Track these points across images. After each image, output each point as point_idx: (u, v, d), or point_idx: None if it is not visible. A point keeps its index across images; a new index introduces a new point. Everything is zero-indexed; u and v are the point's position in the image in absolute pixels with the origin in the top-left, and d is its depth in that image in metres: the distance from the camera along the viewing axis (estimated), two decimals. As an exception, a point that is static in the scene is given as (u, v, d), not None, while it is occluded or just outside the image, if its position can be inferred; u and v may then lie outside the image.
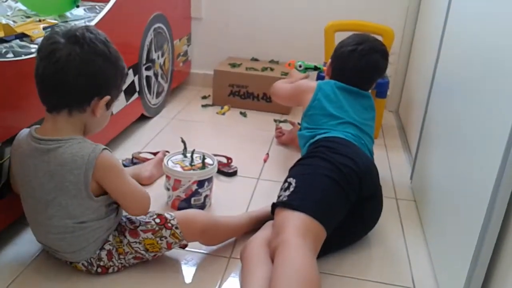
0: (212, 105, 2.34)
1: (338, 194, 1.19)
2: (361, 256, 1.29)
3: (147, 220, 1.16)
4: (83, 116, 1.09)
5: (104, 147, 1.07)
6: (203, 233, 1.19)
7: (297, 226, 1.09)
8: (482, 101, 1.07)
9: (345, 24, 2.19)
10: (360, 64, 1.54)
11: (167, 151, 1.68)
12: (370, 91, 1.62)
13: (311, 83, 1.63)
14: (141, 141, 1.89)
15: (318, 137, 1.38)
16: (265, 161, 1.79)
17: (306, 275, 0.98)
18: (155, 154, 1.70)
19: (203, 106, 2.33)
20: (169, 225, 1.14)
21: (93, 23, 1.55)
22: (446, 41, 1.51)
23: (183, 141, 1.48)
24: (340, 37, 2.13)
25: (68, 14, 1.85)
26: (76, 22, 1.74)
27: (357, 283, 1.20)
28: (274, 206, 1.20)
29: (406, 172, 1.77)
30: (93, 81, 1.06)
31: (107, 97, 1.10)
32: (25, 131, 1.13)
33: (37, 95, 1.08)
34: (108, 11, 1.63)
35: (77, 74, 1.03)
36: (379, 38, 2.14)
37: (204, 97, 2.44)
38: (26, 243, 1.25)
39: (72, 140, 1.05)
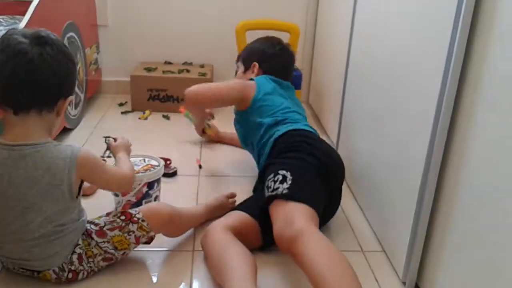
0: (132, 111, 2.34)
1: (322, 186, 1.29)
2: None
3: (111, 219, 1.18)
4: (51, 117, 1.09)
5: (80, 146, 1.09)
6: (169, 223, 1.24)
7: (307, 216, 1.14)
8: (398, 82, 1.24)
9: (255, 23, 2.32)
10: (288, 60, 1.80)
11: (104, 159, 1.67)
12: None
13: (249, 81, 1.65)
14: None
15: (285, 129, 1.44)
16: (200, 166, 1.83)
17: (344, 259, 1.03)
18: (90, 164, 1.68)
19: (122, 113, 2.32)
20: (135, 219, 1.18)
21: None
22: (356, 34, 1.69)
23: (106, 142, 1.44)
24: (250, 35, 2.27)
25: (-26, 28, 1.75)
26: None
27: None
28: (273, 197, 1.22)
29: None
30: (63, 81, 1.08)
31: (71, 97, 1.12)
32: None
33: None
34: (27, 23, 1.58)
35: (50, 74, 1.04)
36: (286, 34, 2.32)
37: (121, 104, 2.42)
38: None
39: (48, 143, 1.06)
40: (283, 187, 1.22)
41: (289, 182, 1.22)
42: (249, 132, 1.61)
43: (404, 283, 1.21)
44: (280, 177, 1.25)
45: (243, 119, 1.63)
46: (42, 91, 1.05)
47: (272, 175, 1.27)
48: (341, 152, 1.81)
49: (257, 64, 1.77)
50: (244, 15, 2.36)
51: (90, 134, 2.05)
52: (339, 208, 1.55)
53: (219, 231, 1.21)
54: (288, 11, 2.48)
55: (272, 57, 1.76)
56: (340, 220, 1.49)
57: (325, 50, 2.29)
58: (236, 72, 1.87)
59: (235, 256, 1.11)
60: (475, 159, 0.96)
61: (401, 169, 1.23)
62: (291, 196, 1.19)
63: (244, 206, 1.35)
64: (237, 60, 1.89)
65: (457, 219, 1.01)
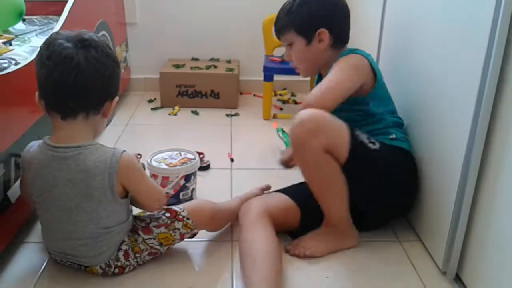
0: (161, 107, 2.37)
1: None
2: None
3: (157, 216, 1.20)
4: (97, 119, 1.11)
5: (123, 149, 1.10)
6: (212, 220, 1.27)
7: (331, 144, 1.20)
8: (434, 79, 1.24)
9: (282, 18, 2.33)
10: (348, 14, 1.43)
11: (139, 154, 1.71)
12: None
13: (362, 59, 1.35)
14: (104, 149, 1.89)
15: (405, 146, 1.35)
16: (231, 159, 1.84)
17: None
18: (126, 159, 1.72)
19: (152, 109, 2.35)
20: (180, 217, 1.20)
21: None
22: (386, 26, 1.69)
23: None
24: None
25: (11, 29, 1.80)
26: (27, 36, 1.71)
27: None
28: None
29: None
30: (109, 83, 1.09)
31: (117, 98, 1.14)
32: (35, 143, 1.13)
33: (47, 104, 1.07)
34: (64, 23, 1.61)
35: (96, 78, 1.05)
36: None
37: (150, 101, 2.46)
38: (28, 259, 1.24)
39: (91, 146, 1.07)
40: (367, 142, 1.25)
41: (374, 147, 1.25)
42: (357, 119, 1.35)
43: (444, 273, 1.21)
44: (373, 140, 1.27)
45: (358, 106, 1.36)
46: (89, 95, 1.06)
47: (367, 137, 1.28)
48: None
49: (326, 31, 1.37)
50: (270, 9, 2.36)
51: (123, 131, 2.09)
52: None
53: (256, 213, 1.24)
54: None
55: (340, 15, 1.40)
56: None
57: (353, 42, 2.28)
58: (290, 49, 1.44)
59: (261, 253, 1.13)
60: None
61: (440, 155, 1.23)
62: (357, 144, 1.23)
63: (287, 190, 1.37)
64: (281, 32, 1.44)
65: (501, 206, 1.01)
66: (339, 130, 1.22)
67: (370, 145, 1.26)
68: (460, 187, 1.11)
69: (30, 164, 1.10)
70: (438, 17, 1.25)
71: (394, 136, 1.34)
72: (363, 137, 1.26)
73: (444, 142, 1.20)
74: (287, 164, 1.43)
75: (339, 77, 1.28)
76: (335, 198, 1.27)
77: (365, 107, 1.35)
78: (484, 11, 1.01)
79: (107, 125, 2.10)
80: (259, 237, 1.19)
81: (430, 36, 1.31)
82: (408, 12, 1.49)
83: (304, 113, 1.19)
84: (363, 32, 1.98)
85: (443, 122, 1.21)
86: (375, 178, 1.27)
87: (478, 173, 1.08)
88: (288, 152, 1.41)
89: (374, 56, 1.75)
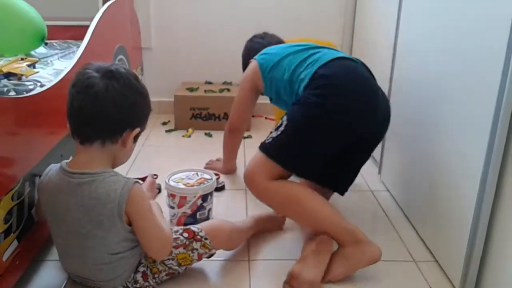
0: (175, 129, 2.42)
1: (325, 147, 1.33)
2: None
3: (175, 236, 1.21)
4: (114, 148, 1.12)
5: (136, 180, 1.11)
6: (229, 239, 1.28)
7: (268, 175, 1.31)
8: (446, 106, 1.27)
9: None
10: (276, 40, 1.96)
11: (155, 175, 1.74)
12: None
13: (250, 69, 1.68)
14: (120, 170, 1.91)
15: (308, 75, 1.38)
16: None
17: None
18: (143, 179, 1.74)
19: (167, 131, 2.40)
20: (198, 237, 1.21)
21: (74, 59, 1.57)
22: (399, 54, 1.72)
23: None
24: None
25: (32, 52, 1.86)
26: (50, 59, 1.76)
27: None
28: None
29: (371, 169, 1.96)
30: (128, 114, 1.10)
31: (138, 129, 1.14)
32: (54, 166, 1.15)
33: (70, 128, 1.12)
34: (86, 47, 1.66)
35: (114, 107, 1.07)
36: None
37: (164, 123, 2.51)
38: (49, 277, 1.26)
39: (104, 173, 1.09)
40: (271, 136, 1.34)
41: (279, 132, 1.32)
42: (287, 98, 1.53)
43: (460, 292, 1.22)
44: (279, 123, 1.34)
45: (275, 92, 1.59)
46: (104, 124, 1.08)
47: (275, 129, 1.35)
48: (384, 166, 1.84)
49: (251, 60, 1.71)
50: (281, 35, 2.42)
51: (138, 152, 2.12)
52: (385, 217, 1.58)
53: (265, 177, 1.31)
54: (325, 31, 2.54)
55: (259, 47, 1.75)
56: (388, 230, 1.52)
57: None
58: None
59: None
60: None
61: (456, 174, 1.25)
62: (266, 150, 1.32)
63: None
64: None
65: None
66: (256, 160, 1.33)
67: (279, 132, 1.32)
68: (477, 206, 1.13)
69: (46, 188, 1.13)
70: (451, 44, 1.29)
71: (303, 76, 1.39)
72: (273, 134, 1.33)
73: (459, 160, 1.23)
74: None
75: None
76: (315, 214, 1.29)
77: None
78: (498, 39, 1.04)
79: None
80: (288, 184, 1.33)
81: (442, 65, 1.34)
82: (421, 38, 1.53)
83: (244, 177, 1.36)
84: (375, 60, 2.03)
85: (458, 142, 1.23)
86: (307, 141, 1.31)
87: (495, 192, 1.10)
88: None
89: (386, 79, 1.79)
